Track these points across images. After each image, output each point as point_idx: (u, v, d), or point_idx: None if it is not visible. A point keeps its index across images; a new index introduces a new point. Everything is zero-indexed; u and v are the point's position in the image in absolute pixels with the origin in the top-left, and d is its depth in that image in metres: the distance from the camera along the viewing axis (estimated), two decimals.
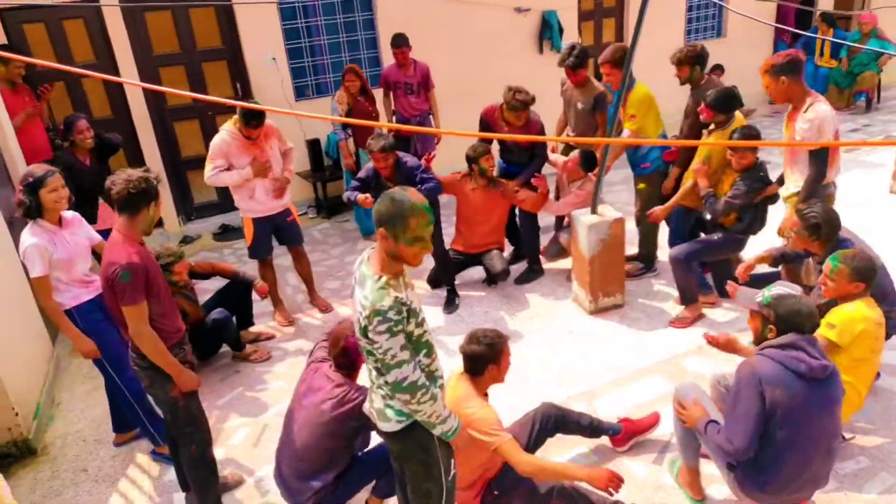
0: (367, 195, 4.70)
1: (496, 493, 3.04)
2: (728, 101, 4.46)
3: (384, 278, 2.29)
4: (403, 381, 2.31)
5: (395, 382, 2.31)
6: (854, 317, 3.13)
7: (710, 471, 3.26)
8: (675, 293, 5.01)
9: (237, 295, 4.85)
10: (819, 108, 3.93)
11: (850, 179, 7.03)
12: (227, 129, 4.66)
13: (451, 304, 5.25)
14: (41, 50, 6.16)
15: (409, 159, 4.93)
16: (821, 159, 3.96)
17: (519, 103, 4.94)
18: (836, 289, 3.23)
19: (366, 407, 2.63)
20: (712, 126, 4.58)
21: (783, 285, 2.88)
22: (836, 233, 3.55)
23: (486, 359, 2.90)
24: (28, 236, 3.42)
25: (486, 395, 3.02)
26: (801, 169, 4.06)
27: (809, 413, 2.65)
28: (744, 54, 9.28)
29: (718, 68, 8.88)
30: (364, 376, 2.69)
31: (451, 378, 3.03)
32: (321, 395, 3.05)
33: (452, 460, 2.62)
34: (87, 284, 3.63)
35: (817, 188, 4.00)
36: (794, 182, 4.12)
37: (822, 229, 3.50)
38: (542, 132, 5.27)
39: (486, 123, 5.32)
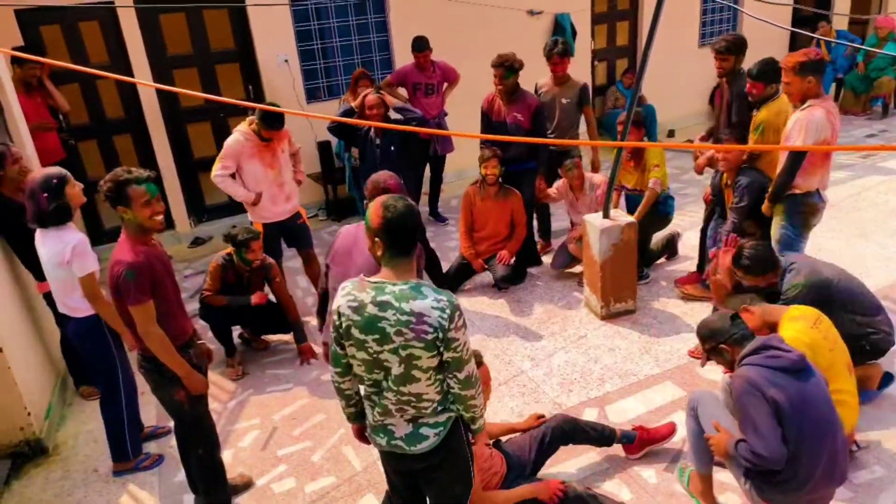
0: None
1: None
2: (775, 68, 4.41)
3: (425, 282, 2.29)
4: (472, 374, 2.31)
5: (466, 378, 2.29)
6: (787, 332, 3.05)
7: (722, 479, 3.22)
8: (688, 302, 5.01)
9: (270, 314, 4.75)
10: (811, 112, 3.87)
11: (866, 185, 6.98)
12: (242, 131, 4.67)
13: None
14: (57, 51, 6.20)
15: (396, 115, 5.01)
16: (794, 160, 3.94)
17: (498, 60, 5.14)
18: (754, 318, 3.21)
19: (379, 443, 2.47)
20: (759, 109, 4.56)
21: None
22: (767, 269, 3.55)
23: None
24: (71, 234, 3.38)
25: None
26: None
27: (807, 405, 2.66)
28: (759, 58, 9.19)
29: None
30: None
31: None
32: None
33: None
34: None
35: (785, 187, 4.02)
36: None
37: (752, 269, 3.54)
38: (539, 110, 5.32)
39: (486, 113, 5.47)
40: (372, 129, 4.96)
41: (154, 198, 2.89)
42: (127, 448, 3.75)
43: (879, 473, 3.30)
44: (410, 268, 2.28)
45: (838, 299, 3.48)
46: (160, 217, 2.94)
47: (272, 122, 4.55)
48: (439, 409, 2.36)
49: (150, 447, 3.98)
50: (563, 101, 5.56)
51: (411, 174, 5.13)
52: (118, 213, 2.86)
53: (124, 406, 3.68)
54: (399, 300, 2.19)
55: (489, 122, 5.43)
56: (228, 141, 4.67)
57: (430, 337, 2.17)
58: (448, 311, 2.17)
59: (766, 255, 3.56)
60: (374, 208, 2.25)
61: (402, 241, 2.23)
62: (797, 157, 3.95)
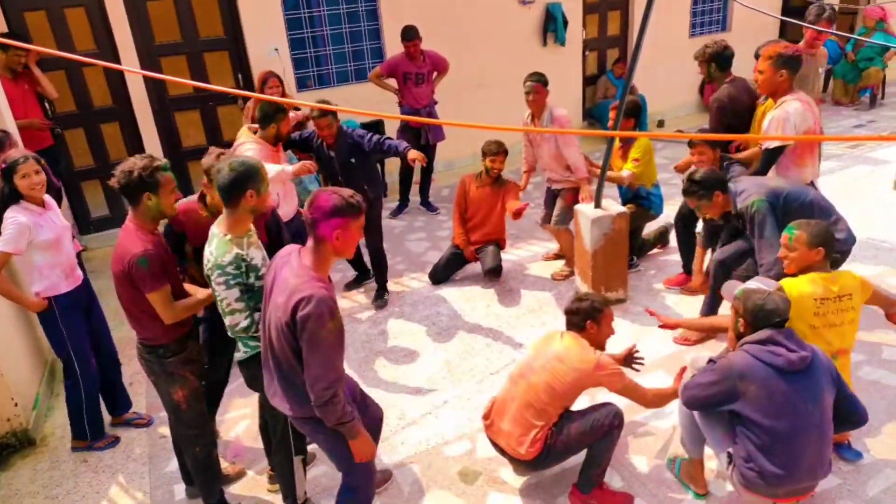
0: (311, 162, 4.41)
1: (554, 430, 3.13)
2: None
3: (229, 236, 2.69)
4: (236, 326, 2.76)
5: (230, 326, 2.77)
6: (790, 288, 3.04)
7: (714, 466, 3.24)
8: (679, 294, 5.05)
9: None
10: (788, 107, 3.87)
11: (854, 175, 7.02)
12: (251, 140, 4.37)
13: (379, 298, 5.27)
14: (42, 38, 6.12)
15: (356, 131, 4.82)
16: (767, 159, 3.94)
17: (320, 112, 4.62)
18: (798, 258, 3.15)
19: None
20: None
21: (759, 280, 2.90)
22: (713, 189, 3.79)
23: (586, 314, 3.18)
24: (12, 213, 3.40)
25: None
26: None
27: (793, 405, 2.65)
28: (749, 49, 9.19)
29: None
30: None
31: (553, 335, 3.29)
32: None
33: None
34: (69, 274, 3.62)
35: None
36: None
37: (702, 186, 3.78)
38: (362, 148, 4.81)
39: (318, 148, 4.98)
40: (324, 143, 4.79)
41: (176, 185, 2.98)
42: (84, 429, 3.85)
43: (868, 460, 3.34)
44: (234, 219, 2.73)
45: (794, 205, 3.63)
46: (177, 205, 3.02)
47: (275, 116, 4.29)
48: (246, 337, 2.82)
49: (141, 436, 3.97)
50: (820, 70, 5.63)
51: (377, 181, 5.10)
52: (142, 199, 2.82)
53: (83, 388, 3.73)
54: (209, 242, 2.74)
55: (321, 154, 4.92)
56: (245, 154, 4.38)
57: (206, 275, 2.74)
58: (210, 264, 2.66)
59: (712, 175, 3.83)
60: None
61: (224, 196, 2.70)
62: (772, 154, 3.94)
